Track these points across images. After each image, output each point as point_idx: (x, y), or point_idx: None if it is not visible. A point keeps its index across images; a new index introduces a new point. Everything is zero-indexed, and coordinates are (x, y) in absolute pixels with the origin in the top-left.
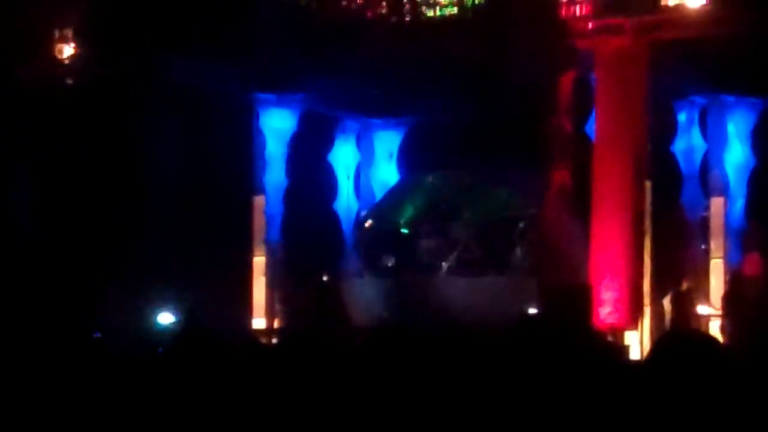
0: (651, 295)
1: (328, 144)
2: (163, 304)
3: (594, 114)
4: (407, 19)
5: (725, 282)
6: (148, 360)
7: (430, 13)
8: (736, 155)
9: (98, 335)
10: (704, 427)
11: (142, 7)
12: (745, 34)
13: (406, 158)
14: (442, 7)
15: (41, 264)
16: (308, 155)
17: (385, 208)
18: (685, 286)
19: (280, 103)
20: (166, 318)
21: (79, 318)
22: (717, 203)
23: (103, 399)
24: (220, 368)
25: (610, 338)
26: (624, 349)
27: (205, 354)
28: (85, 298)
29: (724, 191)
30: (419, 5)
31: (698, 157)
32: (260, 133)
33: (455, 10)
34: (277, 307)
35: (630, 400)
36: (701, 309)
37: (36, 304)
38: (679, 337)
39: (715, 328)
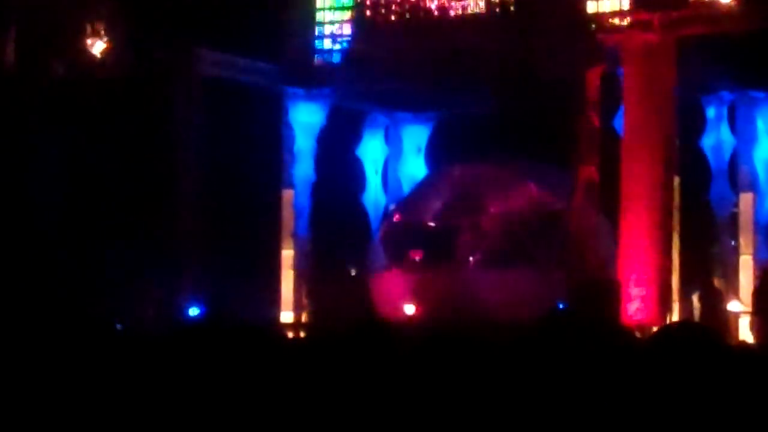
0: (679, 292)
1: (356, 138)
2: (192, 297)
3: (622, 109)
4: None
5: (755, 279)
6: (170, 350)
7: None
8: (765, 151)
9: (119, 326)
10: (699, 414)
11: (172, 1)
12: None
13: (434, 152)
14: None
15: (72, 255)
16: (337, 149)
17: (413, 202)
18: (714, 282)
19: (308, 98)
20: (195, 310)
21: (108, 309)
22: (746, 199)
23: (120, 389)
24: (245, 360)
25: (638, 334)
26: None
27: (232, 345)
28: (115, 290)
29: (753, 187)
30: None
31: (727, 153)
32: (289, 127)
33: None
34: (305, 300)
35: (638, 389)
36: (731, 306)
37: (63, 295)
38: (682, 327)
39: (744, 325)
